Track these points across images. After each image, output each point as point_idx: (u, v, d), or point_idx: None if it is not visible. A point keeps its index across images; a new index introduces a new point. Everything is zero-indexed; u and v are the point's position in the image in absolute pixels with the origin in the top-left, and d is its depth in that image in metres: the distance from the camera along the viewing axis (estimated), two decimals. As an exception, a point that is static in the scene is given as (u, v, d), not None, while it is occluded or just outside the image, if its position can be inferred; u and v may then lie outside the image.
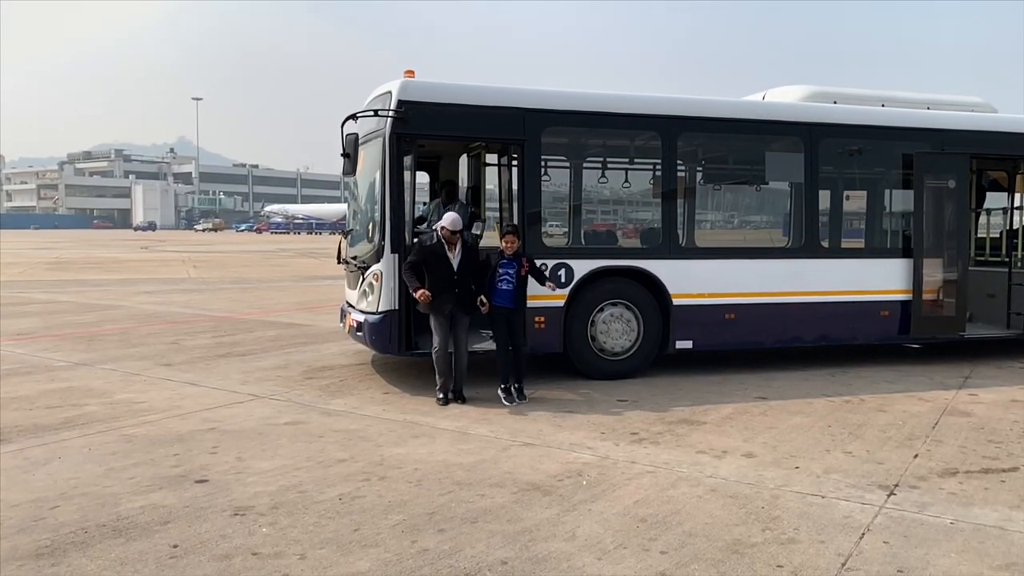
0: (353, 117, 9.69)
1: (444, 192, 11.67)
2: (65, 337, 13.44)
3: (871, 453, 7.45)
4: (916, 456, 7.38)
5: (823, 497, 6.26)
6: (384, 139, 9.38)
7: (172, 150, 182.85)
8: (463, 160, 12.22)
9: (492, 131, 9.95)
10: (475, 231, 10.54)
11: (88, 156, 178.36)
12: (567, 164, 11.41)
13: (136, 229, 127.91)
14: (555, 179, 10.87)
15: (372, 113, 9.68)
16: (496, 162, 11.17)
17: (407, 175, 9.38)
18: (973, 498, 6.30)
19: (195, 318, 16.50)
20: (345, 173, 9.85)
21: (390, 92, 9.58)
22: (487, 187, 11.96)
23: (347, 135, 9.46)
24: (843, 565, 5.08)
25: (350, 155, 9.53)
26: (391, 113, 9.30)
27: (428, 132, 9.60)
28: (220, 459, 7.06)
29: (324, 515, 5.75)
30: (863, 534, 5.57)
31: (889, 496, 6.32)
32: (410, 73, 9.59)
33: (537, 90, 10.23)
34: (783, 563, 5.08)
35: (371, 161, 9.87)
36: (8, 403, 9.04)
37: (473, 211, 11.67)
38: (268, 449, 7.34)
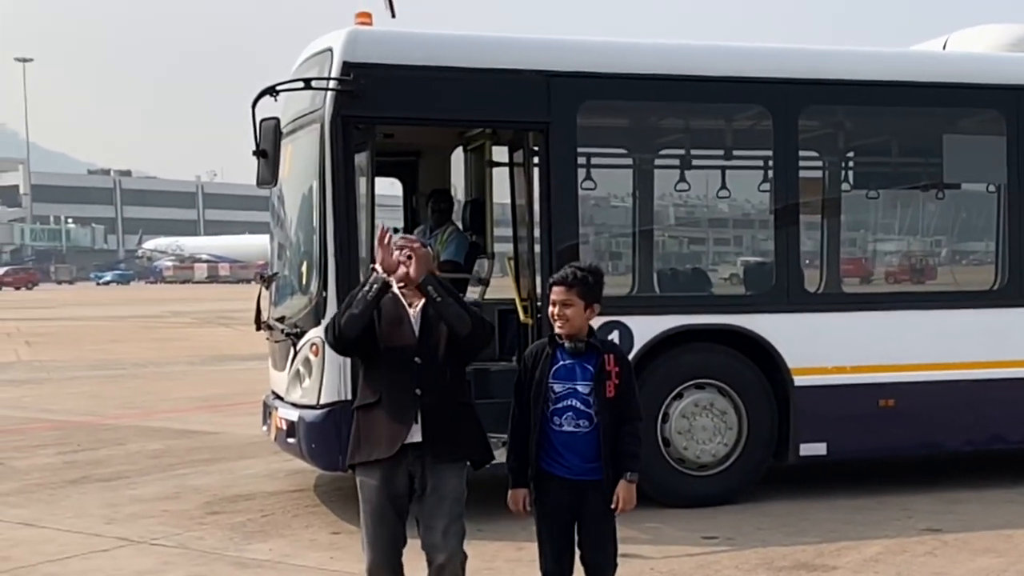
0: (272, 92, 8.12)
1: (429, 209, 9.91)
2: None
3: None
4: None
5: None
6: (323, 125, 7.99)
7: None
8: (457, 158, 10.53)
9: (499, 110, 8.53)
10: (476, 272, 9.13)
11: None
12: (621, 162, 10.17)
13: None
14: (604, 186, 9.64)
15: (302, 85, 8.16)
16: (508, 160, 9.52)
17: (363, 182, 8.10)
18: None
19: (30, 424, 14.04)
20: (262, 182, 8.28)
21: (330, 51, 8.09)
22: (495, 200, 10.31)
23: (262, 122, 7.91)
24: None
25: (267, 153, 7.96)
26: (333, 83, 7.87)
27: (395, 113, 8.25)
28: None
29: None
30: None
31: None
32: (365, 18, 8.16)
33: (569, 41, 8.98)
34: None
35: (303, 162, 8.47)
36: None
37: (474, 240, 9.99)
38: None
